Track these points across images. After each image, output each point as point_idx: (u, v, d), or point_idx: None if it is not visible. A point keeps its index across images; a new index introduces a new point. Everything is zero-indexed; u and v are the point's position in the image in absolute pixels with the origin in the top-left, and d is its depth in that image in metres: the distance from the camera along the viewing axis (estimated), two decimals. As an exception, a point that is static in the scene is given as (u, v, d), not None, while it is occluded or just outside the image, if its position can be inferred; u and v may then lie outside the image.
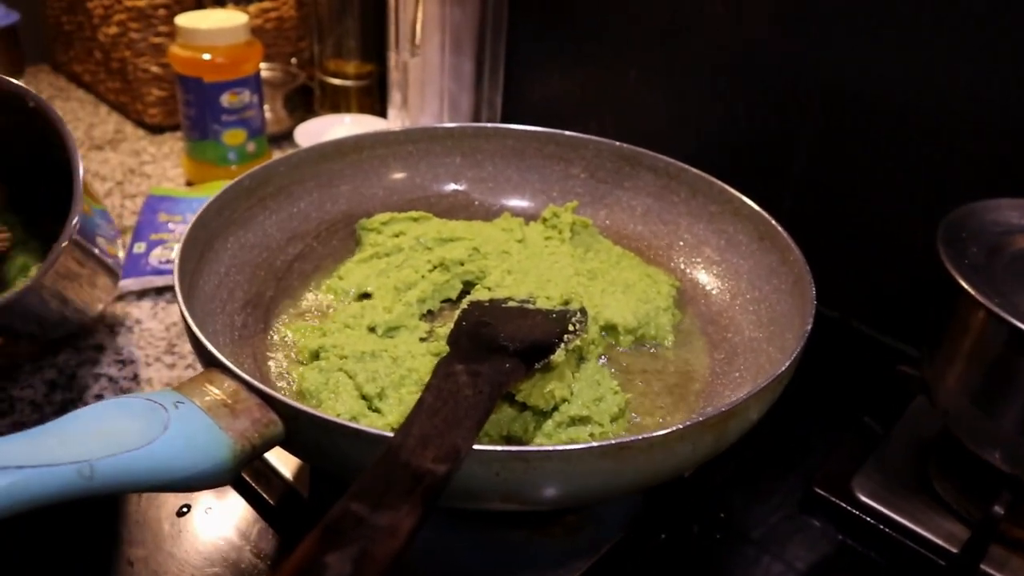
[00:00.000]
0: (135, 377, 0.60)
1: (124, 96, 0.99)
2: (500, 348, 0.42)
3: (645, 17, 0.75)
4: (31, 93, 0.51)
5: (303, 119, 0.93)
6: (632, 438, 0.34)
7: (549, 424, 0.43)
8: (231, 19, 0.80)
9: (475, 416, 0.34)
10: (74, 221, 0.48)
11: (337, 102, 0.98)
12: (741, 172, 0.60)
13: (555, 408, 0.44)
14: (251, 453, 0.35)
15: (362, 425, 0.34)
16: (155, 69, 0.94)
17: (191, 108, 0.81)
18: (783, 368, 0.41)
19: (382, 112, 0.95)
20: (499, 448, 0.33)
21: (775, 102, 0.69)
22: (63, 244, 0.47)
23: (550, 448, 0.34)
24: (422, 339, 0.50)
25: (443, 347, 0.47)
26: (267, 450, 0.36)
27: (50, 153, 0.52)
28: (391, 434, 0.33)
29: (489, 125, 0.67)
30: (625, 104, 0.80)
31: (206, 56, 0.78)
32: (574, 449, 0.34)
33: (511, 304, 0.50)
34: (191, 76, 0.79)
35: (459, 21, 0.82)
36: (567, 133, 0.66)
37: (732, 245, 0.59)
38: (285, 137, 0.96)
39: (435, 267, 0.56)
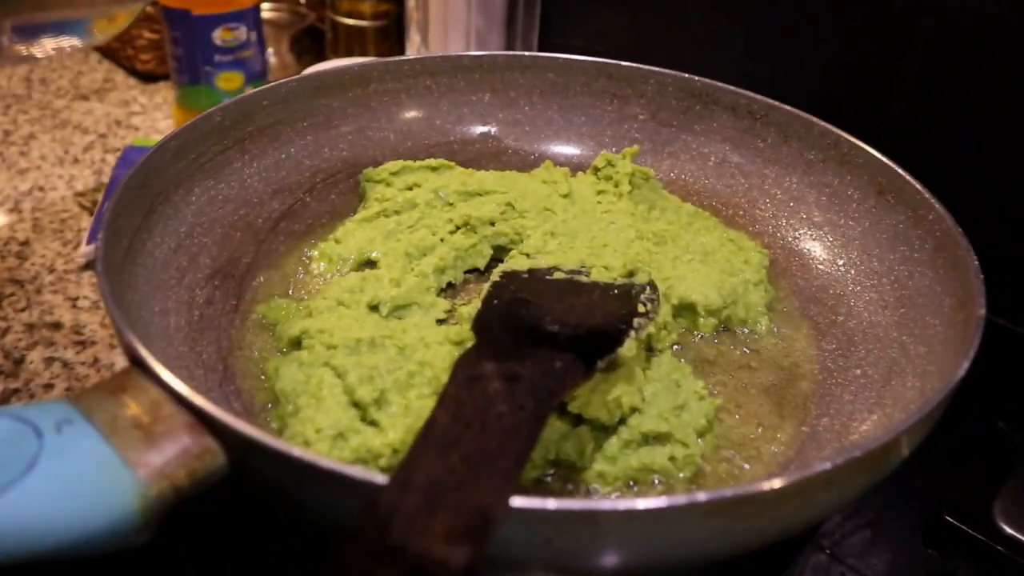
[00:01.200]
0: (95, 362, 0.52)
1: (115, 40, 0.92)
2: (547, 337, 0.33)
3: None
4: None
5: (312, 64, 0.86)
6: (758, 487, 0.22)
7: (613, 443, 0.35)
8: (222, -60, 0.73)
9: (513, 450, 0.23)
10: None
11: (351, 45, 0.92)
12: (829, 113, 0.54)
13: (622, 421, 0.36)
14: (173, 499, 0.24)
15: (337, 464, 0.22)
16: (147, 8, 0.85)
17: (179, 47, 0.74)
18: (962, 370, 0.29)
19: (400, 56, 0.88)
20: (553, 505, 0.21)
21: (874, 25, 0.60)
22: None
23: (631, 506, 0.22)
24: (439, 321, 0.44)
25: (466, 333, 0.40)
26: (200, 492, 0.25)
27: None
28: (383, 479, 0.21)
29: (526, 54, 0.59)
30: (686, 38, 0.72)
31: (195, -16, 0.71)
32: (670, 507, 0.22)
33: (558, 276, 0.43)
34: (178, 8, 0.72)
35: (489, -57, 0.76)
36: (623, 64, 0.58)
37: (838, 202, 0.51)
38: (291, 84, 0.87)
39: (458, 228, 0.50)
